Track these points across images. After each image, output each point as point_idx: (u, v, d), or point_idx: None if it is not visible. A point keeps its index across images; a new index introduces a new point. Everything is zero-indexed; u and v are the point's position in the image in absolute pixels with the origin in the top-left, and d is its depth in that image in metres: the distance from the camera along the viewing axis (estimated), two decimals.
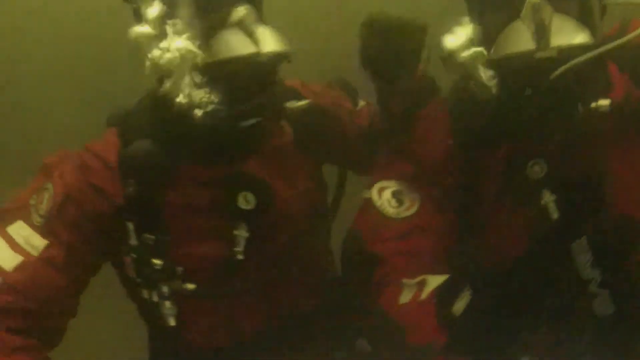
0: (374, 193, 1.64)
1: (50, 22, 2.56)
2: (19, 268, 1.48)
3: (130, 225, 1.50)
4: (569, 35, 1.38)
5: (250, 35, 1.42)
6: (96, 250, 1.56)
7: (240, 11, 1.42)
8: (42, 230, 1.51)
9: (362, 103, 1.92)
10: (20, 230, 1.53)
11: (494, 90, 1.44)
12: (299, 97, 1.66)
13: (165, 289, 1.51)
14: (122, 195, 1.51)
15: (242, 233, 1.54)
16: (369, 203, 1.64)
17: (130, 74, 1.59)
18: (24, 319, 1.48)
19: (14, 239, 1.52)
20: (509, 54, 1.39)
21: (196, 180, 1.56)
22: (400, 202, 1.62)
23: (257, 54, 1.42)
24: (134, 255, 1.51)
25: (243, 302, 1.61)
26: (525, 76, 1.40)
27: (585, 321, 1.07)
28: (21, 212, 1.55)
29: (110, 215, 1.52)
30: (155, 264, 1.49)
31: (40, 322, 1.51)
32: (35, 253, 1.50)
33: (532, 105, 1.40)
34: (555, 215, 1.44)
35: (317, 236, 1.76)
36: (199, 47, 1.40)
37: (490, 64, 1.43)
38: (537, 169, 1.48)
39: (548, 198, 1.47)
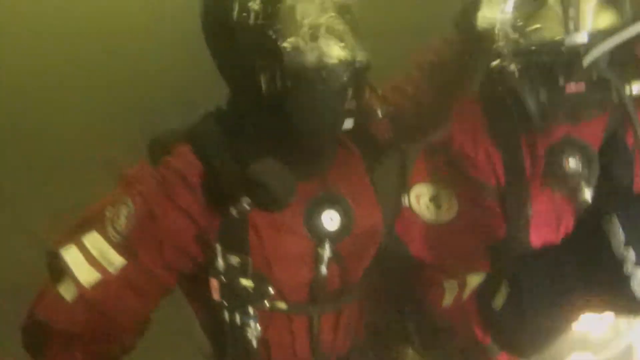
0: (412, 199, 1.63)
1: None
2: (97, 286, 1.44)
3: (218, 247, 1.48)
4: (597, 19, 1.37)
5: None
6: (176, 274, 1.53)
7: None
8: (120, 249, 1.46)
9: None
10: (95, 241, 1.48)
11: (523, 81, 1.41)
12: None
13: (251, 310, 1.48)
14: (206, 217, 1.49)
15: (325, 252, 1.53)
16: (407, 210, 1.63)
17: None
18: (97, 340, 1.47)
19: (89, 251, 1.47)
20: (539, 42, 1.38)
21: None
22: (438, 207, 1.61)
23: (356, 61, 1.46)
24: (223, 278, 1.48)
25: (325, 321, 1.60)
26: (557, 63, 1.37)
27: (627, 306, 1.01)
28: (96, 223, 1.50)
29: (193, 238, 1.50)
30: (246, 286, 1.47)
31: (111, 343, 1.50)
32: (112, 271, 1.45)
33: (566, 97, 1.38)
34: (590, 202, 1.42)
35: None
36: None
37: (520, 52, 1.42)
38: (573, 162, 1.48)
39: (585, 190, 1.46)
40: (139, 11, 2.98)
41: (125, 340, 1.55)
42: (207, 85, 1.67)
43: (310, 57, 1.42)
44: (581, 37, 1.33)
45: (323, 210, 1.55)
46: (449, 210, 1.60)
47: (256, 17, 1.43)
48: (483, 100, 1.63)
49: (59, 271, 1.48)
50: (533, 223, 1.53)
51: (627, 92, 1.35)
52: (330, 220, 1.55)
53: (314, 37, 1.43)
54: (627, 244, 0.96)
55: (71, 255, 1.47)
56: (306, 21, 1.43)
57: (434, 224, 1.60)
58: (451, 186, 1.61)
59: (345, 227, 1.56)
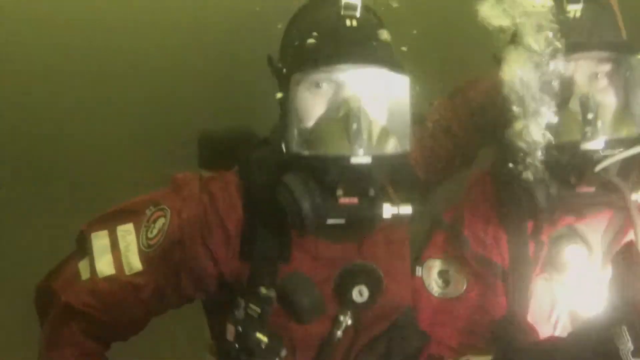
0: (424, 271, 1.70)
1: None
2: (108, 279, 1.55)
3: (241, 301, 1.51)
4: (614, 128, 1.46)
5: None
6: (186, 299, 1.59)
7: None
8: (143, 256, 1.54)
9: None
10: (127, 235, 1.58)
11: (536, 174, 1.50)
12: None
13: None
14: (233, 266, 1.54)
15: (346, 320, 1.56)
16: (419, 281, 1.69)
17: None
18: (96, 325, 1.55)
19: (118, 242, 1.57)
20: (556, 142, 1.46)
21: (312, 255, 1.57)
22: (446, 283, 1.68)
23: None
24: (239, 328, 1.50)
25: None
26: (571, 165, 1.46)
27: None
28: (135, 217, 1.60)
29: (212, 278, 1.55)
30: (261, 340, 1.49)
31: (107, 329, 1.57)
32: (127, 272, 1.55)
33: (576, 194, 1.47)
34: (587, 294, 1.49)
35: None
36: None
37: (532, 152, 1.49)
38: (574, 253, 1.55)
39: (584, 282, 1.53)
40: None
41: (120, 331, 1.62)
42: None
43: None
44: (597, 144, 1.42)
45: (354, 284, 1.55)
46: (458, 287, 1.67)
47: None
48: (494, 178, 1.69)
49: (85, 250, 1.60)
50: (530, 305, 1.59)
51: (633, 198, 1.43)
52: (359, 294, 1.55)
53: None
54: (634, 355, 1.03)
55: (99, 242, 1.60)
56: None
57: (442, 299, 1.67)
58: (461, 263, 1.68)
59: (372, 300, 1.56)
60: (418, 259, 1.72)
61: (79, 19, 3.04)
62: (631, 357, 1.02)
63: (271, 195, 1.47)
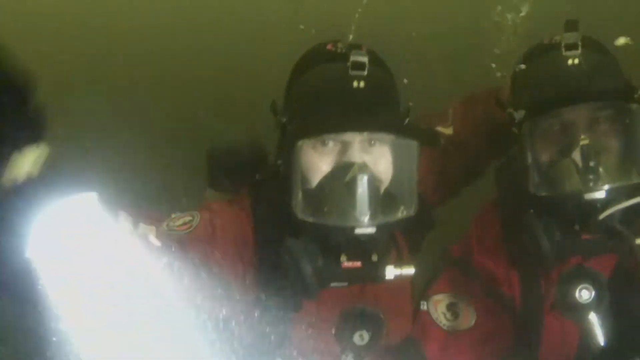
0: (430, 305, 1.72)
1: None
2: None
3: None
4: (616, 176, 1.47)
5: None
6: None
7: None
8: (159, 234, 1.48)
9: None
10: (145, 229, 1.49)
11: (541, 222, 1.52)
12: None
13: None
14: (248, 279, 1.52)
15: (348, 359, 1.56)
16: (425, 315, 1.71)
17: None
18: None
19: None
20: (560, 192, 1.49)
21: (317, 298, 1.54)
22: (455, 315, 1.70)
23: None
24: None
25: None
26: (575, 214, 1.48)
27: None
28: (159, 222, 1.55)
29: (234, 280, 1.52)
30: None
31: None
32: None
33: (580, 241, 1.50)
34: (599, 338, 1.52)
35: None
36: None
37: (539, 199, 1.53)
38: (585, 294, 1.55)
39: (594, 321, 1.54)
40: None
41: None
42: None
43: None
44: (599, 193, 1.44)
45: (355, 329, 1.55)
46: (466, 321, 1.69)
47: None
48: (502, 210, 1.72)
49: None
50: (544, 342, 1.63)
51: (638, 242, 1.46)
52: (360, 338, 1.55)
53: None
54: None
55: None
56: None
57: (451, 332, 1.69)
58: (470, 297, 1.70)
59: (374, 343, 1.56)
60: (424, 294, 1.75)
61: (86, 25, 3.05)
62: None
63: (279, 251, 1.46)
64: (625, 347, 1.23)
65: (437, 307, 1.72)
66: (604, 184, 1.45)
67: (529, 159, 1.55)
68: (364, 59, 1.46)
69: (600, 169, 1.45)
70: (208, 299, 1.42)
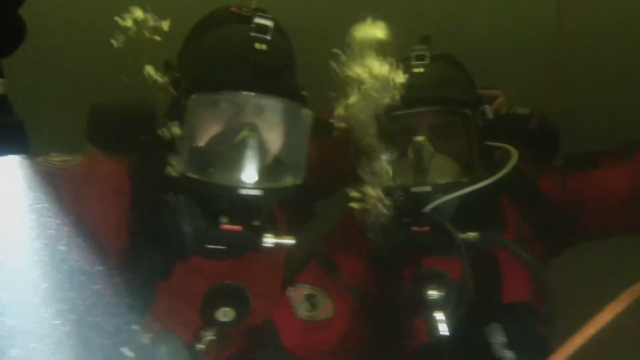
0: (294, 292, 1.80)
1: None
2: None
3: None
4: (445, 173, 1.62)
5: None
6: None
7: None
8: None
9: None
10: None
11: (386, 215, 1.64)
12: None
13: None
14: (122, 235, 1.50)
15: (208, 335, 1.57)
16: (287, 301, 1.78)
17: None
18: None
19: None
20: (391, 186, 1.62)
21: (186, 267, 1.58)
22: (313, 306, 1.77)
23: None
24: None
25: None
26: (405, 207, 1.62)
27: None
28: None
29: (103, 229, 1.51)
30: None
31: None
32: None
33: (412, 234, 1.63)
34: (442, 332, 1.60)
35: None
36: None
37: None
38: (433, 293, 1.64)
39: (439, 318, 1.63)
40: None
41: None
42: None
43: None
44: (425, 188, 1.59)
45: (220, 305, 1.56)
46: (325, 311, 1.76)
47: None
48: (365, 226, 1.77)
49: None
50: (400, 335, 1.73)
51: (463, 237, 1.58)
52: (224, 314, 1.56)
53: None
54: (507, 347, 1.17)
55: None
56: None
57: (308, 322, 1.75)
58: (330, 290, 1.79)
59: (237, 321, 1.58)
60: (291, 281, 1.82)
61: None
62: (502, 349, 1.16)
63: (158, 208, 1.45)
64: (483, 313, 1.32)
65: (299, 296, 1.79)
66: (432, 179, 1.60)
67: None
68: (269, 23, 1.47)
69: (431, 167, 1.60)
70: (70, 246, 1.39)
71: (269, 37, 1.48)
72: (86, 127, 1.69)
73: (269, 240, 1.50)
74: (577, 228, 1.76)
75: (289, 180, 1.55)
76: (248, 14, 1.53)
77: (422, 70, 1.66)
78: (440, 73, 1.70)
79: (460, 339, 1.46)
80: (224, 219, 1.48)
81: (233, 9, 1.58)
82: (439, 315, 1.63)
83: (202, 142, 1.50)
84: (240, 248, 1.55)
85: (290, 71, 1.56)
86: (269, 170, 1.51)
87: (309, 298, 1.78)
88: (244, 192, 1.43)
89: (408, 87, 1.59)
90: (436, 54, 1.72)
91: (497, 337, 1.18)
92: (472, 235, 1.61)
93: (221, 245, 1.50)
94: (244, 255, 1.65)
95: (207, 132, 1.50)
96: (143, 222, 1.53)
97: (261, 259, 1.67)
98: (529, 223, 1.77)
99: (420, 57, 1.68)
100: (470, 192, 1.59)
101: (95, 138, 1.69)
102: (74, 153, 1.60)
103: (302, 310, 1.75)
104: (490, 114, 1.75)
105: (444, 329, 1.60)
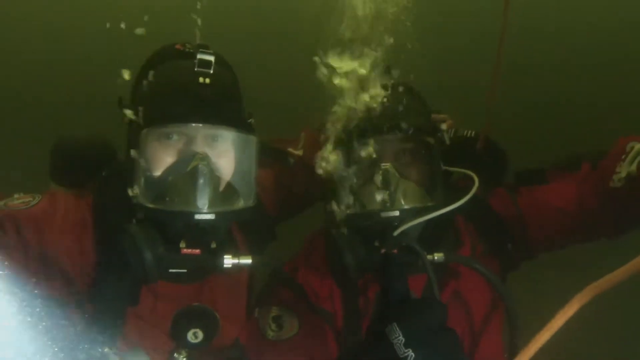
0: (260, 314, 1.83)
1: None
2: None
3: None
4: (411, 198, 1.68)
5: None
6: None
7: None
8: None
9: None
10: None
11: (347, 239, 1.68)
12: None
13: None
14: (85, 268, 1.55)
15: (180, 357, 1.64)
16: (254, 323, 1.82)
17: None
18: None
19: None
20: (361, 212, 1.67)
21: (153, 292, 1.62)
22: (280, 327, 1.80)
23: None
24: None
25: None
26: (374, 231, 1.66)
27: None
28: None
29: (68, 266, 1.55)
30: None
31: None
32: None
33: (380, 256, 1.65)
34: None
35: None
36: None
37: (347, 218, 1.70)
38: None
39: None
40: None
41: None
42: None
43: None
44: (394, 212, 1.63)
45: (189, 327, 1.63)
46: (290, 331, 1.79)
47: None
48: (326, 237, 1.83)
49: None
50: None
51: (430, 258, 1.62)
52: (194, 336, 1.64)
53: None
54: (406, 346, 1.21)
55: None
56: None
57: (274, 342, 1.77)
58: (294, 310, 1.81)
59: (206, 342, 1.65)
60: (258, 302, 1.85)
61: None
62: (404, 348, 1.20)
63: (120, 237, 1.50)
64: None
65: (266, 317, 1.82)
66: (398, 205, 1.65)
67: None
68: (210, 58, 1.58)
69: (398, 193, 1.65)
70: (36, 282, 1.48)
71: (211, 71, 1.58)
72: (49, 165, 1.80)
73: (228, 260, 1.57)
74: (531, 241, 1.84)
75: (240, 203, 1.64)
76: (192, 50, 1.64)
77: (384, 99, 1.69)
78: (402, 101, 1.75)
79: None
80: (182, 244, 1.56)
81: (178, 46, 1.69)
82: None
83: (157, 172, 1.59)
84: (202, 270, 1.63)
85: (234, 101, 1.68)
86: (220, 194, 1.59)
87: (276, 319, 1.82)
88: (198, 217, 1.51)
89: (373, 115, 1.66)
90: (397, 83, 1.78)
91: (395, 337, 1.24)
92: (437, 255, 1.67)
93: (182, 269, 1.58)
94: (208, 277, 1.71)
95: (161, 163, 1.59)
96: (107, 251, 1.59)
97: (225, 281, 1.74)
98: (483, 240, 1.85)
99: (383, 87, 1.72)
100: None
101: (57, 174, 1.80)
102: (34, 193, 1.66)
103: (269, 330, 1.79)
104: (447, 140, 1.82)
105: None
